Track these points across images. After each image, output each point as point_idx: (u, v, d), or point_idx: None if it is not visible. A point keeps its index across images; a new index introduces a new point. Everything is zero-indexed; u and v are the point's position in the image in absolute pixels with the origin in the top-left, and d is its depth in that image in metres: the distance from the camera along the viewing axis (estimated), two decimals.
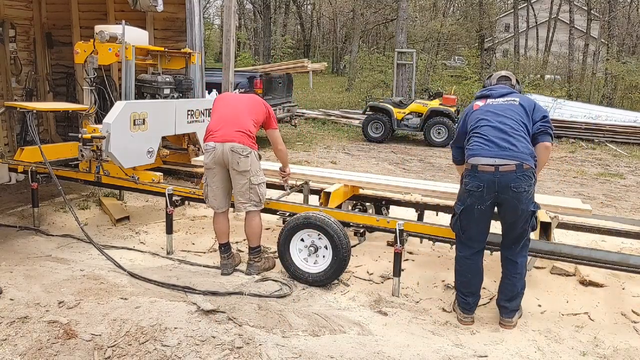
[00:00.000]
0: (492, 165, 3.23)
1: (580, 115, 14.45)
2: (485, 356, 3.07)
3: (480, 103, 3.55)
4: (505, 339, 3.28)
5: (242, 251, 4.56)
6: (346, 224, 4.01)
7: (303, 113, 15.19)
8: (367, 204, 4.98)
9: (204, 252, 4.60)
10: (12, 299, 3.46)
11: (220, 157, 3.91)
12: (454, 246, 4.18)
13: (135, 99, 5.03)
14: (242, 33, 38.55)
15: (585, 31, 25.22)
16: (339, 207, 4.46)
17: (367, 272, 4.17)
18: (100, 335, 3.05)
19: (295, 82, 12.77)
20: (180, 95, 5.47)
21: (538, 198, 3.63)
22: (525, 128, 3.35)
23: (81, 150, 4.62)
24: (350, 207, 4.98)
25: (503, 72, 3.77)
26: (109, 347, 2.95)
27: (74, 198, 5.92)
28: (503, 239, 3.49)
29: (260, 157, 4.09)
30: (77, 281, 3.82)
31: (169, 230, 4.54)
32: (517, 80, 3.71)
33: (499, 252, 3.78)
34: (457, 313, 3.54)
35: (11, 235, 4.85)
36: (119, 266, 4.06)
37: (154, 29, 7.26)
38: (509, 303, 3.47)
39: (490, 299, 3.79)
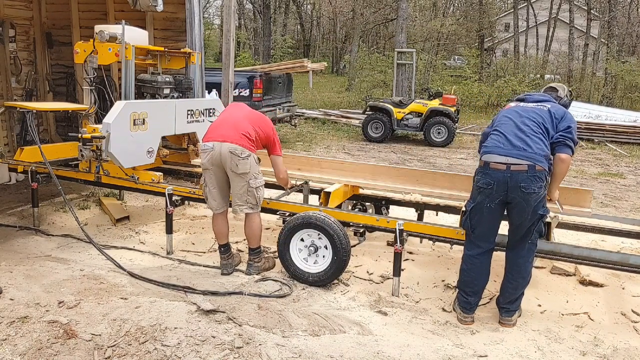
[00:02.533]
0: (504, 163, 3.22)
1: (580, 115, 14.44)
2: (485, 356, 3.07)
3: (512, 104, 3.58)
4: (505, 339, 3.28)
5: (242, 251, 4.56)
6: (346, 224, 4.01)
7: (303, 113, 15.18)
8: (367, 203, 4.98)
9: (204, 252, 4.60)
10: (12, 299, 3.46)
11: (217, 158, 3.89)
12: (453, 246, 4.19)
13: (135, 98, 5.03)
14: (242, 33, 38.55)
15: (585, 31, 25.23)
16: (339, 206, 4.46)
17: (367, 272, 4.17)
18: (100, 335, 3.05)
19: (295, 82, 12.76)
20: (180, 95, 5.47)
21: None
22: (547, 133, 3.32)
23: (81, 150, 4.62)
24: (350, 207, 4.98)
25: (553, 84, 3.75)
26: (109, 347, 2.95)
27: (74, 198, 5.92)
28: (508, 240, 3.48)
29: (259, 161, 4.07)
30: (77, 281, 3.82)
31: (169, 230, 4.54)
32: (568, 93, 3.69)
33: (502, 253, 3.79)
34: (457, 312, 3.54)
35: (11, 235, 4.85)
36: (119, 266, 4.06)
37: (154, 28, 7.26)
38: (510, 304, 3.47)
39: (490, 299, 3.79)
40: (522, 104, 3.54)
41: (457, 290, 3.60)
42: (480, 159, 3.40)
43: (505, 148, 3.27)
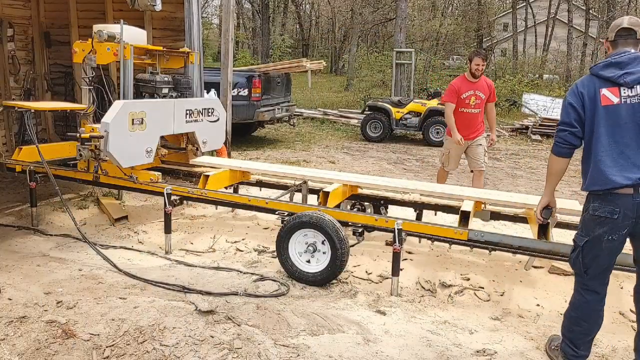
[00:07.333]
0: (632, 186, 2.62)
1: None
2: (485, 356, 3.07)
3: (610, 94, 2.66)
4: (505, 339, 3.28)
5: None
6: (345, 224, 4.01)
7: (302, 113, 15.19)
8: (366, 203, 4.98)
9: (203, 252, 4.59)
10: (10, 299, 3.45)
11: None
12: (452, 246, 4.19)
13: (134, 98, 5.02)
14: (241, 32, 38.56)
15: (583, 30, 25.26)
16: (338, 206, 4.46)
17: (366, 272, 4.17)
18: (98, 335, 3.05)
19: (293, 82, 12.75)
20: (179, 94, 5.46)
21: (536, 199, 3.60)
22: None
23: (79, 150, 4.61)
24: (348, 207, 4.98)
25: (625, 22, 2.72)
26: (107, 346, 2.94)
27: (73, 198, 5.91)
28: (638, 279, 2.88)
29: None
30: (75, 281, 3.81)
31: (168, 229, 4.53)
32: None
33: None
34: None
35: (9, 234, 4.85)
36: (115, 266, 4.05)
37: (153, 28, 7.24)
38: None
39: (490, 296, 3.79)
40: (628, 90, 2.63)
41: (563, 340, 2.99)
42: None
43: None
